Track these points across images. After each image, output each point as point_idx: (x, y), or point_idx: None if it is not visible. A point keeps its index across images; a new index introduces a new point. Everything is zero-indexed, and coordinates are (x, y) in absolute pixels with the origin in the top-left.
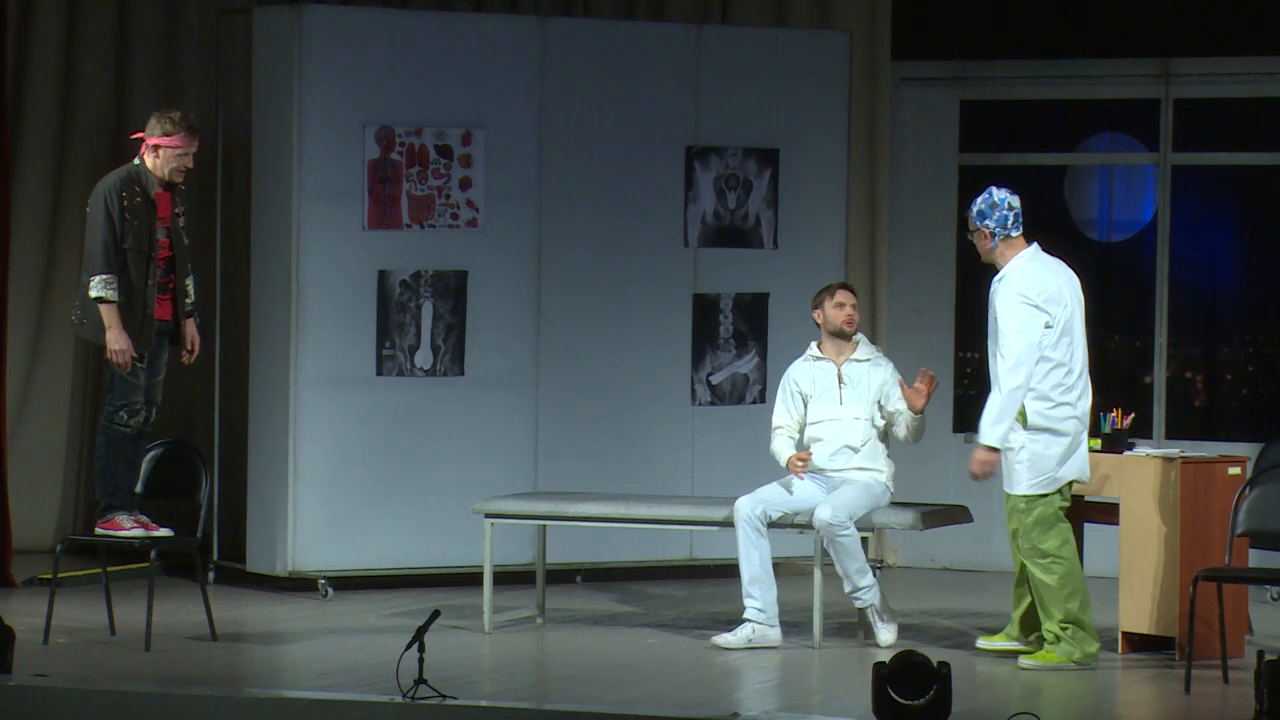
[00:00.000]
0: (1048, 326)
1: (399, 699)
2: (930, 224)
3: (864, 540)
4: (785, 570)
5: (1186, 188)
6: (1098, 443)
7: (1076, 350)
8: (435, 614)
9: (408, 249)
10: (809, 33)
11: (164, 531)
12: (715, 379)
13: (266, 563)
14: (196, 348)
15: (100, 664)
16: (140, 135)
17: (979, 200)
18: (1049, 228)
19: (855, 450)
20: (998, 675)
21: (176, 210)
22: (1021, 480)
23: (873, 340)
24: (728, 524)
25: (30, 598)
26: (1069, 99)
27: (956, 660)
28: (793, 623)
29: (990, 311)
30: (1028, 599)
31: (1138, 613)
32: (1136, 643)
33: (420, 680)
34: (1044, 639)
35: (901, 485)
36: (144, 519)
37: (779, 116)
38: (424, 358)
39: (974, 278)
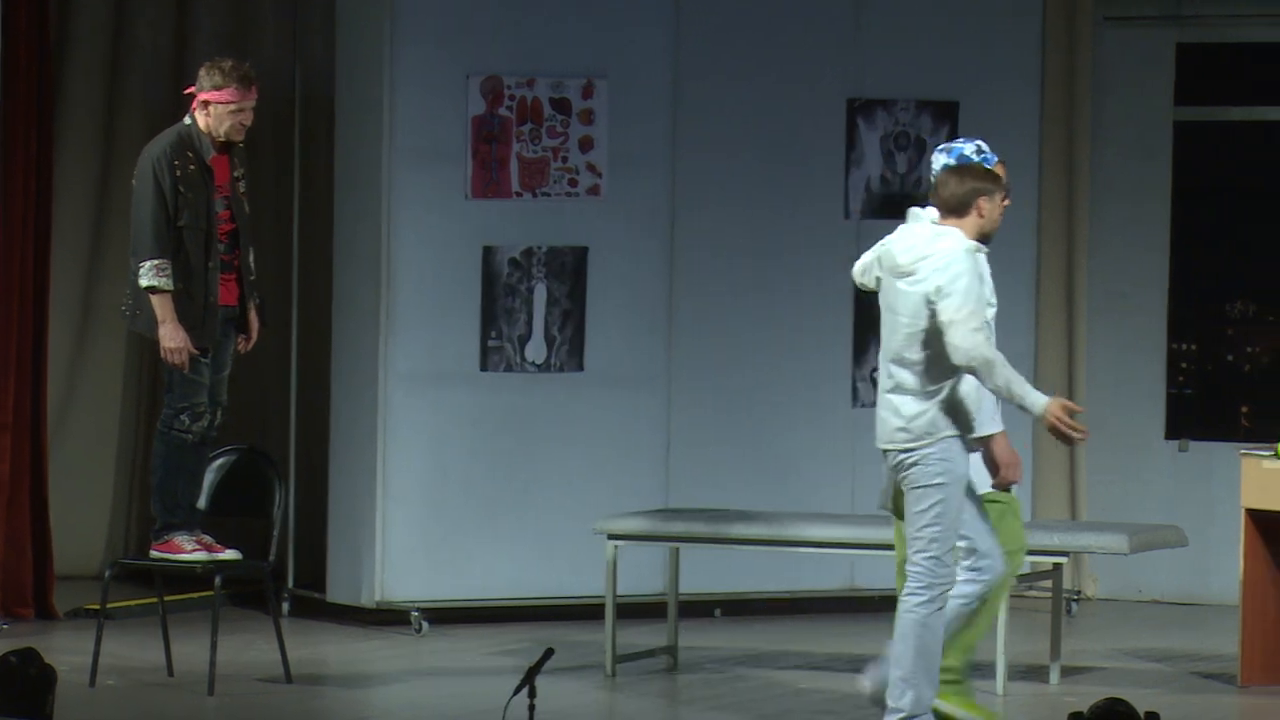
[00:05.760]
0: None
1: None
2: (1138, 190)
3: (1057, 566)
4: None
5: None
6: None
7: None
8: (548, 652)
9: (518, 221)
10: None
11: (231, 554)
12: None
13: (350, 592)
14: (255, 335)
15: (156, 710)
16: (192, 90)
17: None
18: None
19: None
20: None
21: (236, 174)
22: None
23: (1070, 329)
24: (893, 547)
25: (75, 632)
26: None
27: (1169, 710)
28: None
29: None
30: None
31: None
32: None
33: None
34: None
35: (1103, 501)
36: (207, 540)
37: (958, 63)
38: (536, 350)
39: (1190, 255)
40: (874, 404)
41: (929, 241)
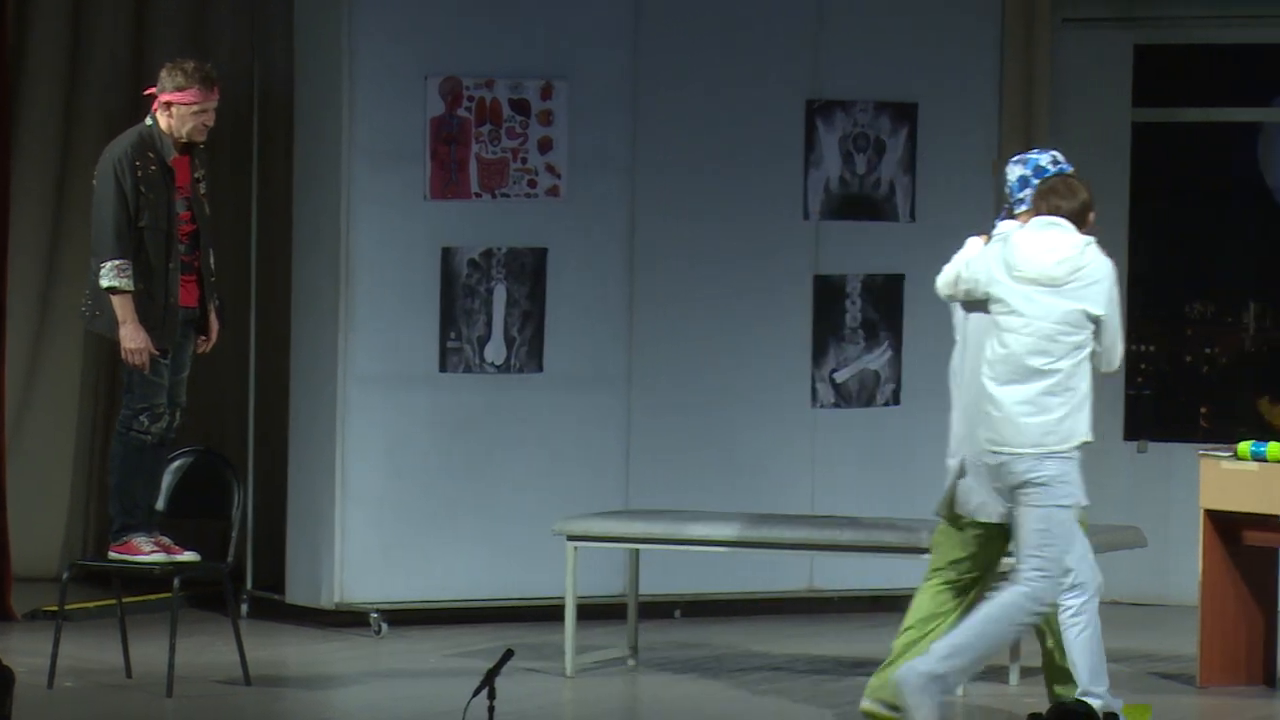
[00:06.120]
0: None
1: None
2: (1097, 191)
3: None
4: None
5: None
6: None
7: None
8: (508, 654)
9: (477, 222)
10: None
11: (189, 556)
12: (840, 376)
13: (309, 593)
14: (215, 336)
15: (114, 712)
16: (153, 91)
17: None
18: (1239, 194)
19: None
20: None
21: (196, 175)
22: None
23: None
24: (853, 548)
25: (33, 633)
26: (1265, 43)
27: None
28: None
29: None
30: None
31: None
32: None
33: None
34: None
35: None
36: (165, 541)
37: (917, 64)
38: (495, 351)
39: (1148, 256)
40: (834, 405)
41: (1080, 252)
